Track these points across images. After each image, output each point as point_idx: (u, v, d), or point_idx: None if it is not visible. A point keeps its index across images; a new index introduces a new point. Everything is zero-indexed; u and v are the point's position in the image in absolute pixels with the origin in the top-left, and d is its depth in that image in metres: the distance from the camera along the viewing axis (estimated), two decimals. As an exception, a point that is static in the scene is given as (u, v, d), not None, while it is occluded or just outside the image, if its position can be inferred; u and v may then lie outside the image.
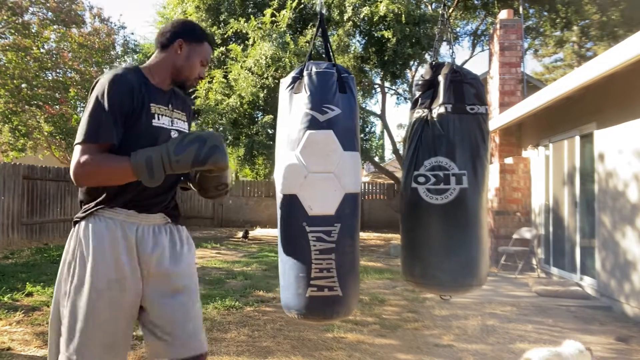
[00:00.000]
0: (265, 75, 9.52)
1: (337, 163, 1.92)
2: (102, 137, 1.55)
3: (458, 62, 2.40)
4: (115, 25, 13.88)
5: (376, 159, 19.38)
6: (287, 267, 1.94)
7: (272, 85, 9.63)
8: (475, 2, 12.99)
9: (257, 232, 14.27)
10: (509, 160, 7.82)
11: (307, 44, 9.21)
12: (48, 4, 11.52)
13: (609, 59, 4.46)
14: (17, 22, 11.07)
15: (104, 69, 13.83)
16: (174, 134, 1.72)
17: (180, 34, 1.74)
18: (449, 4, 11.95)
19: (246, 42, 10.04)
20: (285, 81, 2.02)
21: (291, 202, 1.92)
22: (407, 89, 13.39)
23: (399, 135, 24.00)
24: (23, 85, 11.62)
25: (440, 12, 2.56)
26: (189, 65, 1.75)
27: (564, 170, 6.49)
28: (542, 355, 2.75)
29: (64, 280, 1.64)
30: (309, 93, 1.94)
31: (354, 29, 10.03)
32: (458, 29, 14.78)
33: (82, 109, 13.78)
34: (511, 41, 8.24)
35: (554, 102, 5.87)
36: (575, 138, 6.13)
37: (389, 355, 3.42)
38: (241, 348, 3.48)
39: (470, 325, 4.23)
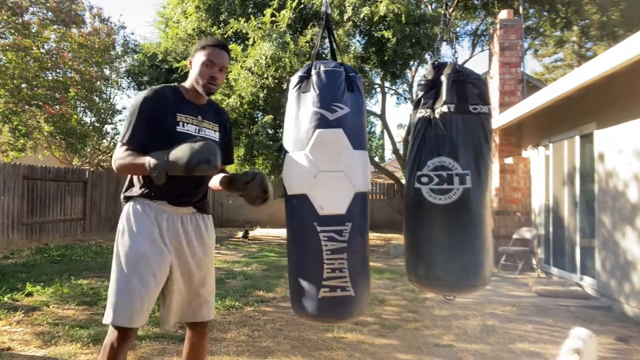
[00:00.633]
0: (265, 75, 9.52)
1: (347, 162, 1.92)
2: (130, 141, 1.96)
3: (458, 62, 2.39)
4: (115, 25, 13.88)
5: (376, 159, 19.37)
6: (297, 268, 1.93)
7: (272, 85, 9.63)
8: (475, 2, 12.99)
9: (257, 232, 14.26)
10: (509, 160, 7.82)
11: (308, 44, 9.21)
12: (48, 4, 11.51)
13: (609, 59, 4.46)
14: (17, 22, 11.06)
15: (104, 69, 13.85)
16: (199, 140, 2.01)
17: (190, 55, 2.12)
18: (450, 3, 11.96)
19: (246, 42, 10.03)
20: (293, 80, 2.01)
21: (301, 202, 1.90)
22: (407, 89, 13.39)
23: (399, 135, 23.98)
24: (23, 85, 11.61)
25: (442, 12, 2.56)
26: (197, 72, 2.07)
27: (564, 170, 6.49)
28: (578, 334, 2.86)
29: (115, 244, 2.03)
30: (318, 92, 1.92)
31: (354, 29, 10.03)
32: (458, 29, 14.78)
33: (82, 109, 13.80)
34: (511, 41, 8.24)
35: (554, 102, 5.88)
36: (575, 138, 6.13)
37: (389, 355, 3.42)
38: (241, 348, 3.48)
39: (470, 325, 4.23)
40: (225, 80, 10.20)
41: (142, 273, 1.93)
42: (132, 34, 29.10)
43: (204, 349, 2.18)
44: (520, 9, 10.50)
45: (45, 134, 13.25)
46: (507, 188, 7.69)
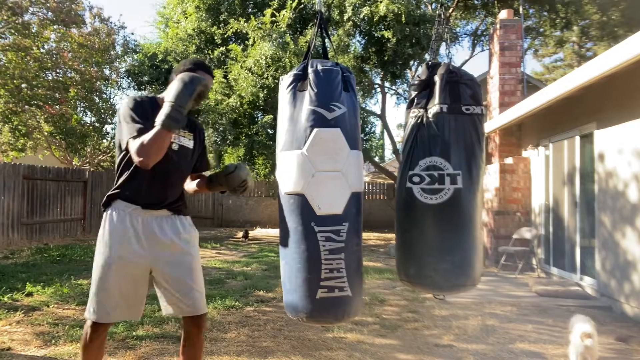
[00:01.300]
0: (265, 75, 9.52)
1: (345, 162, 1.91)
2: (140, 131, 1.99)
3: (458, 62, 2.38)
4: (115, 25, 13.87)
5: (376, 159, 19.37)
6: (293, 269, 1.91)
7: (272, 85, 9.62)
8: (475, 2, 13.00)
9: (257, 232, 14.26)
10: (509, 160, 7.82)
11: (308, 44, 9.21)
12: (48, 4, 11.51)
13: (609, 59, 4.46)
14: (17, 22, 11.06)
15: (104, 69, 13.84)
16: (174, 146, 2.15)
17: (177, 70, 2.20)
18: (449, 4, 11.96)
19: (246, 42, 10.04)
20: (287, 79, 1.99)
21: (298, 202, 1.88)
22: (407, 89, 13.39)
23: (399, 135, 24.00)
24: (23, 85, 11.61)
25: (437, 12, 2.57)
26: None
27: (564, 170, 6.49)
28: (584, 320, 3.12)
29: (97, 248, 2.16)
30: (316, 90, 1.91)
31: (354, 29, 10.03)
32: (458, 29, 14.78)
33: (82, 109, 13.80)
34: (511, 41, 8.24)
35: (554, 102, 5.87)
36: (575, 138, 6.13)
37: (389, 355, 3.42)
38: (241, 348, 3.48)
39: (470, 325, 4.23)
40: (225, 80, 10.21)
41: (114, 276, 2.07)
42: (132, 34, 29.08)
43: (200, 342, 2.25)
44: (520, 9, 10.51)
45: (45, 134, 13.25)
46: (507, 188, 7.68)
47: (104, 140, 15.50)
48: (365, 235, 13.43)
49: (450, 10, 12.22)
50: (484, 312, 4.76)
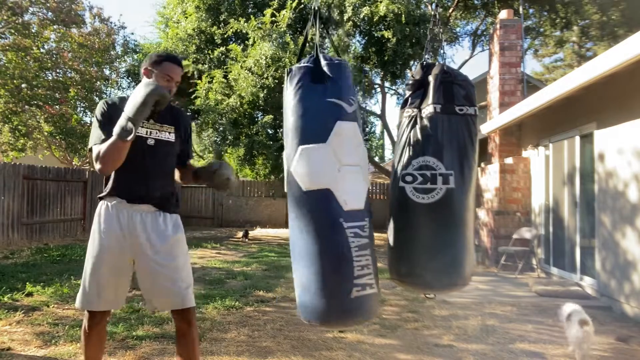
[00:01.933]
0: (265, 75, 9.52)
1: (362, 156, 1.89)
2: (102, 142, 2.10)
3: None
4: (115, 25, 13.87)
5: (376, 159, 19.37)
6: (323, 270, 1.78)
7: (272, 85, 9.63)
8: (475, 2, 13.00)
9: (257, 232, 14.26)
10: (509, 160, 7.82)
11: (308, 44, 9.19)
12: (48, 4, 11.51)
13: (609, 59, 4.46)
14: (17, 22, 11.06)
15: (104, 69, 13.84)
16: (150, 142, 2.19)
17: (144, 64, 2.23)
18: (448, 4, 11.96)
19: (246, 42, 10.04)
20: (297, 71, 1.91)
21: (323, 198, 1.78)
22: (404, 89, 13.39)
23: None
24: (23, 85, 11.61)
25: (433, 12, 2.58)
26: None
27: (564, 170, 6.49)
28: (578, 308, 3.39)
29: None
30: (334, 83, 1.86)
31: (354, 29, 10.03)
32: (458, 29, 14.78)
33: (82, 109, 13.79)
34: (511, 41, 8.24)
35: (554, 102, 5.87)
36: (575, 138, 6.13)
37: (389, 355, 3.42)
38: (241, 348, 3.48)
39: (470, 325, 4.23)
40: (225, 80, 10.21)
41: (100, 265, 2.17)
42: (132, 34, 29.14)
43: (193, 337, 2.25)
44: (520, 9, 10.50)
45: (45, 134, 13.25)
46: (507, 188, 7.68)
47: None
48: (365, 235, 13.41)
49: (450, 10, 12.22)
50: (484, 312, 4.76)
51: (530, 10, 13.61)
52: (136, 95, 1.99)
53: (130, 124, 1.96)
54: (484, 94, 9.14)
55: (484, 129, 8.26)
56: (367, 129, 14.71)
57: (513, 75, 8.23)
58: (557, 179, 6.75)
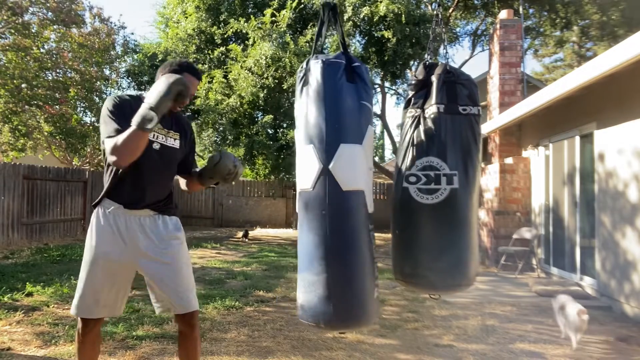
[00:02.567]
0: (265, 75, 9.52)
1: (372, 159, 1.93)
2: (117, 132, 2.01)
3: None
4: (115, 25, 13.85)
5: (376, 158, 19.36)
6: (355, 272, 1.77)
7: (272, 85, 9.62)
8: (475, 2, 13.00)
9: (257, 232, 14.26)
10: (509, 160, 7.82)
11: (308, 44, 9.18)
12: (48, 4, 11.50)
13: (609, 59, 4.46)
14: (17, 22, 11.05)
15: (104, 69, 13.84)
16: (155, 146, 2.15)
17: (163, 69, 2.19)
18: (448, 4, 11.96)
19: (246, 42, 10.03)
20: (334, 66, 1.87)
21: (358, 199, 1.78)
22: (407, 89, 13.38)
23: (399, 135, 23.97)
24: (23, 85, 11.61)
25: (435, 12, 2.57)
26: None
27: (564, 170, 6.49)
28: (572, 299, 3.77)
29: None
30: (366, 85, 1.86)
31: (354, 29, 10.03)
32: (458, 29, 14.78)
33: (82, 109, 13.78)
34: (511, 41, 8.24)
35: (554, 102, 5.87)
36: (575, 138, 6.13)
37: (389, 355, 3.42)
38: (241, 348, 3.48)
39: (470, 325, 4.23)
40: (225, 80, 10.21)
41: (97, 272, 2.12)
42: (132, 34, 29.06)
43: (195, 341, 2.22)
44: (520, 9, 10.51)
45: (45, 134, 13.24)
46: (507, 188, 7.68)
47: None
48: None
49: (450, 10, 12.22)
50: (484, 312, 4.76)
51: (530, 10, 13.61)
52: (159, 85, 1.95)
53: (152, 112, 1.90)
54: (484, 94, 9.14)
55: (484, 129, 8.26)
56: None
57: (513, 75, 8.23)
58: (557, 179, 6.75)
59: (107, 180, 2.16)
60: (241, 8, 10.94)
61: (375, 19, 9.11)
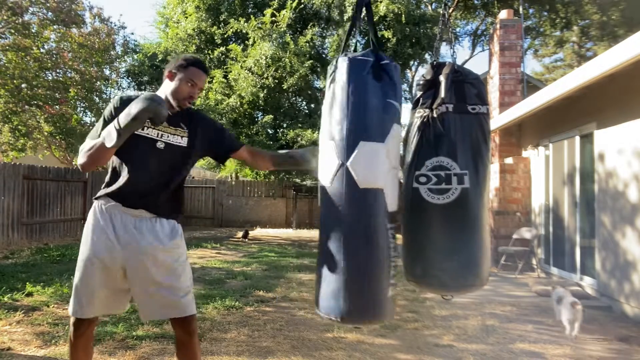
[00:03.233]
0: (265, 75, 9.53)
1: (399, 157, 1.93)
2: (94, 138, 2.07)
3: (458, 62, 2.38)
4: (115, 25, 13.85)
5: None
6: (367, 270, 1.80)
7: (272, 85, 9.63)
8: (475, 2, 13.01)
9: (257, 232, 14.26)
10: (509, 160, 7.82)
11: (308, 44, 9.18)
12: (48, 4, 11.50)
13: (609, 59, 4.46)
14: (17, 22, 11.05)
15: (104, 69, 13.84)
16: (159, 145, 2.10)
17: (169, 66, 2.16)
18: (450, 3, 11.95)
19: (246, 42, 10.04)
20: (361, 62, 1.88)
21: (375, 197, 1.80)
22: (407, 89, 13.39)
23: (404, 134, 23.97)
24: (23, 85, 11.61)
25: (441, 12, 2.56)
26: (176, 87, 2.12)
27: (564, 170, 6.49)
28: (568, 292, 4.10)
29: None
30: (394, 84, 1.87)
31: (354, 29, 10.03)
32: (458, 29, 14.79)
33: (82, 109, 13.79)
34: (511, 41, 8.24)
35: (554, 102, 5.87)
36: (575, 138, 6.13)
37: (389, 355, 3.42)
38: (241, 348, 3.48)
39: (470, 325, 4.23)
40: (225, 80, 10.22)
41: (90, 271, 2.08)
42: (132, 34, 29.06)
43: (194, 346, 2.14)
44: (520, 9, 10.51)
45: (45, 134, 13.24)
46: (507, 188, 7.68)
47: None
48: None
49: (450, 10, 12.23)
50: (484, 312, 4.76)
51: (530, 10, 13.63)
52: (131, 108, 1.90)
53: (115, 134, 1.90)
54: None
55: (490, 127, 8.26)
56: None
57: (513, 75, 8.23)
58: (557, 179, 6.75)
59: (107, 178, 2.14)
60: (241, 8, 10.95)
61: (375, 19, 9.11)
